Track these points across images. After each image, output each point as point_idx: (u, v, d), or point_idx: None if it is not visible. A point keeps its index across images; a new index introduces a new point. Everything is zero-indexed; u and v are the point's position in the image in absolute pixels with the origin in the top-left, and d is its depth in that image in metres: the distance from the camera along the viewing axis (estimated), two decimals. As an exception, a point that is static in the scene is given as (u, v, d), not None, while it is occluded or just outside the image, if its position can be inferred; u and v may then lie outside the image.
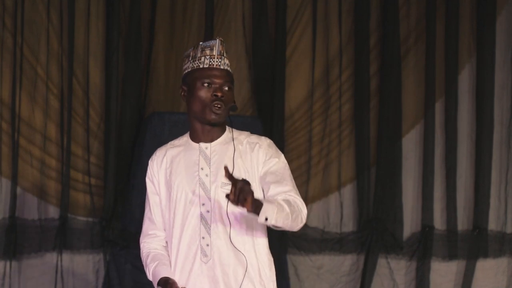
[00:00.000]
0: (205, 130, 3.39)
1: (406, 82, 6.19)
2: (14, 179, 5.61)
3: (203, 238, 3.32)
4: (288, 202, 3.24)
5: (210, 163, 3.37)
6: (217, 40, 3.43)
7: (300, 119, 6.12)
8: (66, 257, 5.71)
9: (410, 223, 6.17)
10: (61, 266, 5.69)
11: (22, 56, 5.65)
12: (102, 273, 5.75)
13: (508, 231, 6.24)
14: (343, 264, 6.08)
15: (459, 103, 6.20)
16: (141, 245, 3.53)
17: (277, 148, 3.46)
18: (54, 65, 5.74)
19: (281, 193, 3.30)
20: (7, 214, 5.61)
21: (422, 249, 6.13)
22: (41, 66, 5.71)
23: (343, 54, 6.14)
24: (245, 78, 6.01)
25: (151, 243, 3.50)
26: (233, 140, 3.41)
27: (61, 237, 5.69)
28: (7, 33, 5.65)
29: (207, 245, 3.32)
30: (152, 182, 3.48)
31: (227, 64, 3.41)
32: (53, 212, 5.72)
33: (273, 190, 3.32)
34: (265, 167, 3.38)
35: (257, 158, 3.38)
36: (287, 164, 3.43)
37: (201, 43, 3.44)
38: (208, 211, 3.33)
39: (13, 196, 5.61)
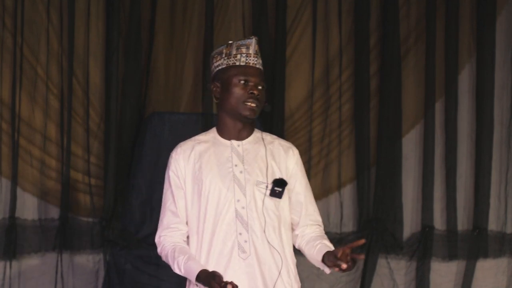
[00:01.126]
0: (236, 127, 3.44)
1: (406, 82, 6.18)
2: (14, 179, 5.61)
3: (240, 234, 3.35)
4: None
5: (243, 161, 3.42)
6: (253, 39, 3.49)
7: (300, 119, 6.12)
8: (66, 257, 5.71)
9: (410, 223, 6.16)
10: (61, 266, 5.69)
11: (22, 56, 5.65)
12: (102, 273, 5.75)
13: (508, 231, 6.23)
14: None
15: (459, 103, 6.19)
16: (161, 238, 3.47)
17: (301, 160, 3.58)
18: (54, 65, 5.74)
19: (314, 222, 3.50)
20: (7, 214, 5.61)
21: (422, 249, 6.13)
22: (41, 66, 5.71)
23: (343, 54, 6.14)
24: (245, 78, 6.00)
25: (172, 237, 3.45)
26: (263, 140, 3.47)
27: (61, 237, 5.69)
28: (7, 33, 5.65)
29: (245, 241, 3.35)
30: (177, 176, 3.46)
31: (261, 64, 3.48)
32: (53, 212, 5.72)
33: (305, 217, 3.49)
34: (297, 184, 3.49)
35: (290, 163, 3.48)
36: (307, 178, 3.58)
37: (235, 41, 3.49)
38: (243, 207, 3.37)
39: (13, 196, 5.61)
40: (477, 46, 6.21)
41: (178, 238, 3.46)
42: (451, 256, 6.18)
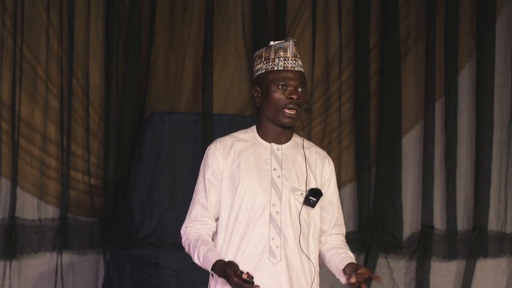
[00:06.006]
0: (276, 132, 3.43)
1: (406, 82, 6.18)
2: (14, 179, 5.61)
3: (272, 238, 3.35)
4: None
5: (282, 166, 3.41)
6: (291, 41, 3.46)
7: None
8: (66, 257, 5.71)
9: (410, 223, 6.16)
10: (61, 266, 5.69)
11: (22, 56, 5.65)
12: (102, 273, 5.75)
13: (508, 231, 6.23)
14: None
15: (459, 103, 6.19)
16: (187, 229, 3.44)
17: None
18: (54, 65, 5.74)
19: (340, 232, 3.56)
20: (7, 214, 5.62)
21: (422, 249, 6.13)
22: (41, 66, 5.71)
23: (343, 54, 6.14)
24: (245, 78, 6.01)
25: (199, 229, 3.43)
26: (302, 146, 3.45)
27: (61, 237, 5.69)
28: (7, 33, 5.65)
29: (277, 246, 3.34)
30: (213, 170, 3.43)
31: (301, 65, 3.44)
32: (53, 212, 5.72)
33: (333, 227, 3.55)
34: (330, 194, 3.50)
35: (326, 173, 3.48)
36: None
37: (273, 43, 3.47)
38: (277, 212, 3.36)
39: (13, 196, 5.61)
40: (477, 46, 6.21)
41: (204, 231, 3.43)
42: (451, 256, 6.18)
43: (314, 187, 3.40)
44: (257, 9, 6.02)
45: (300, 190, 3.38)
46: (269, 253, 3.34)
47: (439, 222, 6.17)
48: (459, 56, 6.19)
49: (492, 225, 6.21)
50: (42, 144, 5.72)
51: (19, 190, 5.64)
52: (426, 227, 6.14)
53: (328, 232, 3.52)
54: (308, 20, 6.11)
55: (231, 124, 5.83)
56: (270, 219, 3.35)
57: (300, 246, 3.35)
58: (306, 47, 6.10)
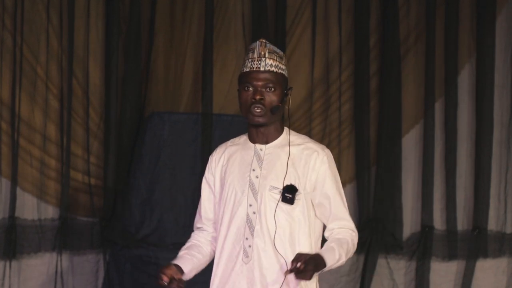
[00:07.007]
0: (259, 132, 3.45)
1: (406, 82, 6.18)
2: (14, 179, 5.62)
3: (246, 238, 3.36)
4: (342, 244, 3.39)
5: (262, 165, 3.41)
6: (257, 42, 3.50)
7: (300, 119, 6.11)
8: (66, 257, 5.71)
9: (410, 223, 6.16)
10: (61, 266, 5.70)
11: (22, 56, 5.66)
12: (102, 273, 5.75)
13: (508, 231, 6.23)
14: (343, 264, 6.07)
15: (459, 103, 6.19)
16: (191, 235, 3.58)
17: (333, 162, 3.49)
18: (54, 65, 5.75)
19: (337, 228, 3.43)
20: (7, 214, 5.62)
21: (422, 249, 6.13)
22: (41, 66, 5.72)
23: (343, 54, 6.14)
24: (245, 78, 6.00)
25: (196, 235, 3.55)
26: (289, 145, 3.43)
27: (60, 237, 5.70)
28: (7, 33, 5.66)
29: (249, 246, 3.36)
30: (207, 178, 3.54)
31: (271, 65, 3.45)
32: (52, 212, 5.73)
33: (333, 222, 3.44)
34: (325, 187, 3.44)
35: (313, 167, 3.42)
36: (339, 181, 3.52)
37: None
38: (254, 213, 3.37)
39: (13, 196, 5.61)
40: (477, 46, 6.20)
41: (201, 237, 3.55)
42: (451, 256, 6.18)
43: (289, 184, 3.37)
44: (257, 9, 6.02)
45: (278, 188, 3.37)
46: (243, 253, 3.36)
47: (439, 222, 6.17)
48: (459, 56, 6.18)
49: (492, 225, 6.20)
50: (42, 144, 5.72)
51: (19, 190, 5.65)
52: (426, 227, 6.14)
53: (328, 227, 3.46)
54: (308, 20, 6.11)
55: (231, 124, 5.83)
56: (247, 219, 3.37)
57: (275, 245, 3.33)
58: (306, 47, 6.11)
